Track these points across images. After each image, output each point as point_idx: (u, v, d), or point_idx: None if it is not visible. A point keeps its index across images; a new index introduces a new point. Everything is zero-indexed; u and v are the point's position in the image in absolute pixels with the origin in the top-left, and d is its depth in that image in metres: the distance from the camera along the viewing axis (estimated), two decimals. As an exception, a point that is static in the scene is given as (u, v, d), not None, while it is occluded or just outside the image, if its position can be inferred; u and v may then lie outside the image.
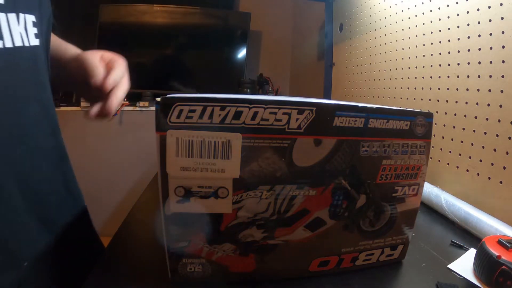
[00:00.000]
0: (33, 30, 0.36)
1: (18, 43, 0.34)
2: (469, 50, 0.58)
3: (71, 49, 0.48)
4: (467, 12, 0.58)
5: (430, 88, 0.69)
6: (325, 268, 0.37)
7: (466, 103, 0.59)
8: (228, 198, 0.31)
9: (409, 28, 0.75)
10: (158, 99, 0.29)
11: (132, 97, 1.65)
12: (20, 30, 0.34)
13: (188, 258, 0.33)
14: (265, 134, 0.30)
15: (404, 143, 0.35)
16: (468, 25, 0.58)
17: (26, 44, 0.35)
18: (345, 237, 0.36)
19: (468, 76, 0.59)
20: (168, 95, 0.28)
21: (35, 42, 0.36)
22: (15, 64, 0.34)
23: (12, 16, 0.33)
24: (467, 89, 0.59)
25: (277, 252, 0.35)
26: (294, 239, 0.34)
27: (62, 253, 0.40)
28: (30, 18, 0.36)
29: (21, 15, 0.34)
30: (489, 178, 0.55)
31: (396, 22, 0.80)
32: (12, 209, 0.33)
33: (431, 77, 0.69)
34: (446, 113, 0.64)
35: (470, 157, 0.59)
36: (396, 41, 0.80)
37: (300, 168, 0.32)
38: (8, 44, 0.33)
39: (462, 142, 0.61)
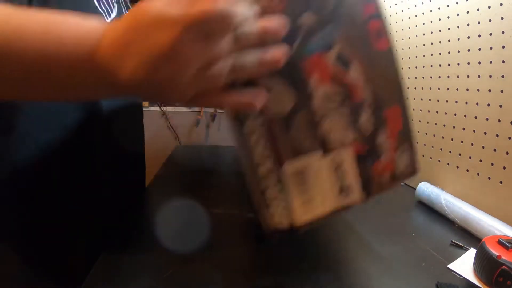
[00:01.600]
0: None
1: None
2: (469, 50, 0.58)
3: None
4: (467, 12, 0.58)
5: (430, 88, 0.69)
6: None
7: (466, 103, 0.59)
8: None
9: (409, 28, 0.75)
10: None
11: (132, 97, 1.66)
12: None
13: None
14: None
15: None
16: (468, 25, 0.58)
17: None
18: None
19: (468, 76, 0.59)
20: None
21: None
22: None
23: None
24: (467, 89, 0.59)
25: None
26: None
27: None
28: None
29: None
30: (489, 178, 0.55)
31: (396, 22, 0.80)
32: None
33: (431, 77, 0.69)
34: (446, 113, 0.64)
35: (470, 157, 0.59)
36: (396, 41, 0.80)
37: None
38: None
39: (462, 142, 0.61)
